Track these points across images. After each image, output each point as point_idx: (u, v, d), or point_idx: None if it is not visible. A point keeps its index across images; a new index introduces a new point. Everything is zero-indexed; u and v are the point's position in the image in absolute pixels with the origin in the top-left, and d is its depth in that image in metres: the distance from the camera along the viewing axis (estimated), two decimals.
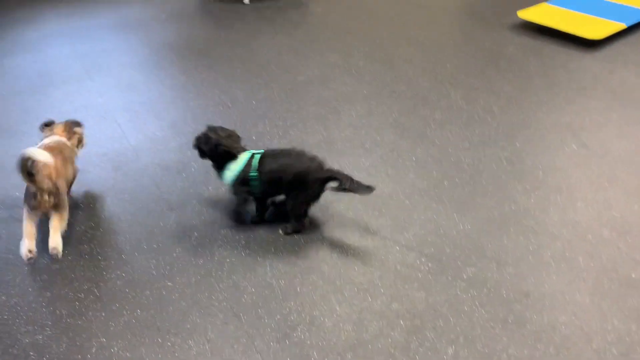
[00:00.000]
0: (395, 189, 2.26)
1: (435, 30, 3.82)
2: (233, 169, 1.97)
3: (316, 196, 1.97)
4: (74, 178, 2.17)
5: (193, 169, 2.40)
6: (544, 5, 3.93)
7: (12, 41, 3.75)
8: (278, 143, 2.58)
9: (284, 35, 3.79)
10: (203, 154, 2.03)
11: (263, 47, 3.62)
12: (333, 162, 2.42)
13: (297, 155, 1.96)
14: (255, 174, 1.95)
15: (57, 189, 1.86)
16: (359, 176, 2.32)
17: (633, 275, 1.82)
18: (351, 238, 2.01)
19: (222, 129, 2.02)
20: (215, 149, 1.97)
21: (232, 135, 2.03)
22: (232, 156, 1.97)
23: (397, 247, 1.95)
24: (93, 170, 2.41)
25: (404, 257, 1.91)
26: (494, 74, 3.19)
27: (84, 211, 2.17)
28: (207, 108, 2.89)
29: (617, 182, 2.27)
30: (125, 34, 3.85)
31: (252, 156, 1.98)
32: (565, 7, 3.85)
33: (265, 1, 4.47)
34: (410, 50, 3.53)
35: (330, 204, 2.17)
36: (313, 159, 1.95)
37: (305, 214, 2.01)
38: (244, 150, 2.00)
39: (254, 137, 2.62)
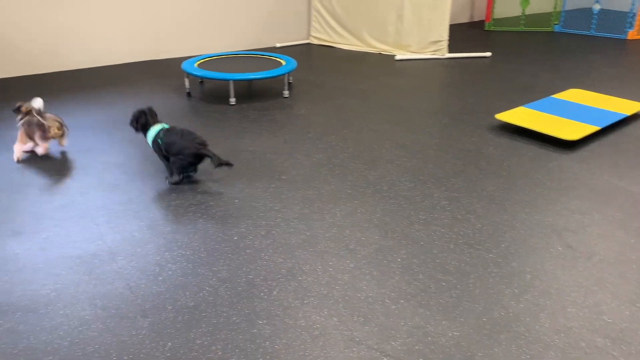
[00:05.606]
0: (381, 293, 2.18)
1: (416, 132, 3.92)
2: (150, 134, 3.14)
3: (190, 163, 3.03)
4: None
5: (170, 272, 2.31)
6: (520, 108, 4.08)
7: None
8: (259, 243, 2.52)
9: (269, 135, 3.85)
10: (136, 124, 3.20)
11: (247, 146, 3.66)
12: (316, 263, 2.36)
13: (183, 133, 3.02)
14: (160, 140, 3.07)
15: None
16: (344, 278, 2.26)
17: None
18: (335, 348, 1.90)
19: (150, 110, 3.20)
20: (139, 121, 3.18)
21: (153, 114, 3.21)
22: (149, 126, 3.16)
23: (385, 359, 1.84)
24: (65, 274, 2.30)
25: None
26: (476, 174, 3.23)
27: (51, 319, 2.04)
28: (188, 207, 2.85)
29: (605, 286, 2.22)
30: (109, 133, 3.89)
31: (162, 128, 3.12)
32: (541, 111, 4.01)
33: (250, 103, 4.59)
34: (393, 151, 3.59)
35: (314, 309, 2.08)
36: (194, 139, 2.97)
37: (179, 172, 3.06)
38: (158, 123, 3.16)
39: (235, 237, 2.56)
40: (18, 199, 2.94)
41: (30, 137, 3.42)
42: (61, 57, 5.58)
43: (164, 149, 3.05)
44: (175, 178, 3.09)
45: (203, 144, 2.98)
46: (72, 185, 3.10)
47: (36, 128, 3.37)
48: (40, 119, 3.38)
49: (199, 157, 3.01)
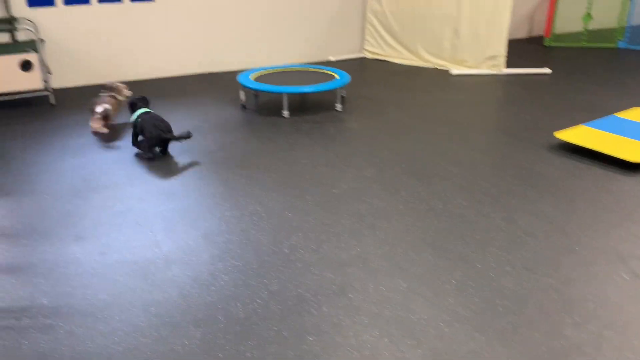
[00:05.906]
0: (434, 315, 2.13)
1: (473, 149, 3.84)
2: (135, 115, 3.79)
3: (154, 144, 3.66)
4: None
5: (223, 282, 2.34)
6: (581, 127, 3.93)
7: (61, 146, 3.92)
8: (310, 257, 2.51)
9: (320, 149, 3.86)
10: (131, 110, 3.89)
11: (299, 159, 3.67)
12: (368, 282, 2.33)
13: (153, 119, 3.64)
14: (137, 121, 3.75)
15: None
16: (396, 298, 2.22)
17: None
18: None
19: (143, 98, 3.93)
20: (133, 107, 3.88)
21: (144, 100, 3.93)
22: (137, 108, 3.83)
23: None
24: (122, 280, 2.36)
25: None
26: (534, 195, 3.12)
27: (107, 324, 2.09)
28: (241, 218, 2.88)
29: None
30: None
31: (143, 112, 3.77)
32: (603, 130, 3.85)
33: (303, 116, 4.63)
34: (448, 167, 3.52)
35: (365, 328, 2.05)
36: (158, 125, 3.60)
37: (150, 149, 3.64)
38: (140, 108, 3.81)
39: (286, 250, 2.57)
40: (80, 204, 3.05)
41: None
42: (123, 68, 5.79)
43: (139, 128, 3.70)
44: (148, 154, 3.67)
45: (165, 131, 3.61)
46: (130, 192, 3.20)
47: (95, 103, 4.16)
48: (107, 97, 4.23)
49: (161, 140, 3.66)
